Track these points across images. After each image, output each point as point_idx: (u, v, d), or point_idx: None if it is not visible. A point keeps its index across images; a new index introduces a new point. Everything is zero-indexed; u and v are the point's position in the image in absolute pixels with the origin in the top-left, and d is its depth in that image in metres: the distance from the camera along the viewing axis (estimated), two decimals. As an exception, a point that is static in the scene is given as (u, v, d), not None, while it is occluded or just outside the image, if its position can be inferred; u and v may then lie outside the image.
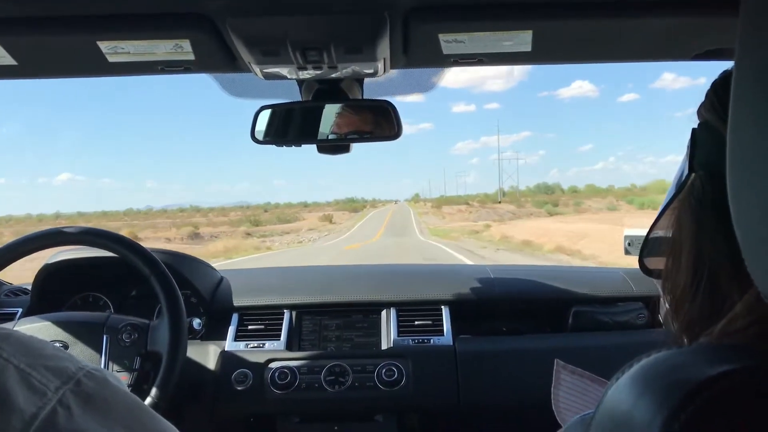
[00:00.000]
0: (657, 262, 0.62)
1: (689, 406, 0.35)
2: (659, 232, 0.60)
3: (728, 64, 0.55)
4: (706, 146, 0.53)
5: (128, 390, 0.49)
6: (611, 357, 1.57)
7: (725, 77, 0.55)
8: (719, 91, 0.54)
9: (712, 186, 0.51)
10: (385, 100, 1.30)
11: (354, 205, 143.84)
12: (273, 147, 1.35)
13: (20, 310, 1.69)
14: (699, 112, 0.57)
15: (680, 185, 0.56)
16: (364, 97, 1.35)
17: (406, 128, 1.28)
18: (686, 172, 0.55)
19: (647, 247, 0.65)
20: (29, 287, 1.76)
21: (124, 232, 1.81)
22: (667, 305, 0.58)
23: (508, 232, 26.68)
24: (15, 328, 1.37)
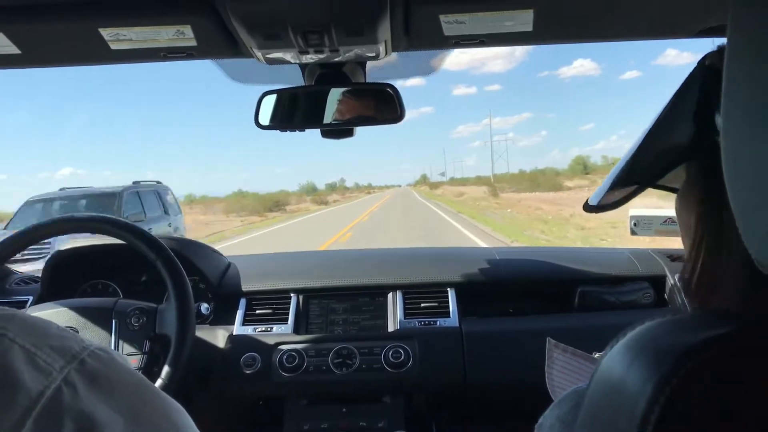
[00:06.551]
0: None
1: (679, 371, 0.36)
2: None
3: None
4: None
5: (134, 369, 0.49)
6: (617, 336, 1.58)
7: None
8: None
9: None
10: (388, 83, 1.30)
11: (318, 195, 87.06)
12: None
13: (31, 298, 1.71)
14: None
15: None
16: (367, 81, 1.36)
17: (408, 113, 1.29)
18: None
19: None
20: (39, 276, 1.78)
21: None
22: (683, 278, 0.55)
23: None
24: None
